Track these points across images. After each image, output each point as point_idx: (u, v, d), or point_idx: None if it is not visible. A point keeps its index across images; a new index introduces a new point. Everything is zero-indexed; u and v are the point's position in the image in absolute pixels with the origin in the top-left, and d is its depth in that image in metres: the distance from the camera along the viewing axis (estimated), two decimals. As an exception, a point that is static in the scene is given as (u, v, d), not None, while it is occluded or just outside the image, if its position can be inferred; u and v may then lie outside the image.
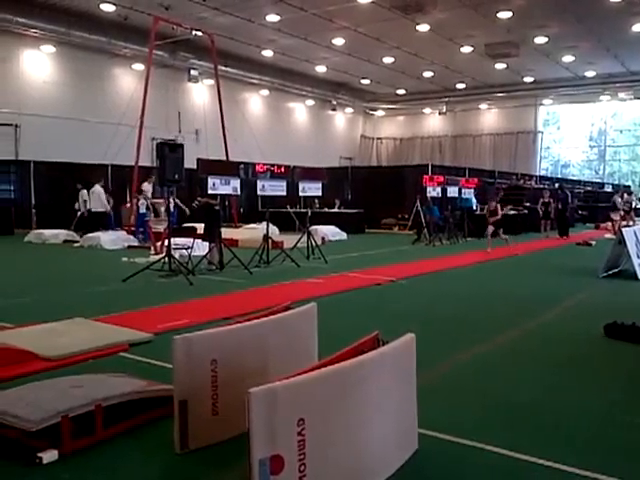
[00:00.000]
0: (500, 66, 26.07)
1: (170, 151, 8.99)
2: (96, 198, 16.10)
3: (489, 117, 33.64)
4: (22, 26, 18.31)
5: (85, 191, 16.46)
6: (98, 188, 16.25)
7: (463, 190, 17.51)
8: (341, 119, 34.32)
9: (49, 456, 3.16)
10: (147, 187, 15.71)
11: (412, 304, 7.78)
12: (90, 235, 14.86)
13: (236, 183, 10.19)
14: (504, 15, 19.26)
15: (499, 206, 14.70)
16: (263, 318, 3.80)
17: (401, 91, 32.13)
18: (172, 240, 9.35)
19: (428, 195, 16.62)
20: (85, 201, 16.39)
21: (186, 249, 9.96)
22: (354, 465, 2.78)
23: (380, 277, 9.56)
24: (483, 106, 33.14)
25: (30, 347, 4.95)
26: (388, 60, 25.27)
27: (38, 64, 20.10)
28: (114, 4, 18.10)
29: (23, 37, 18.99)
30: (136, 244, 14.38)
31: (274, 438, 2.44)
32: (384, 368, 2.99)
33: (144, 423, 3.63)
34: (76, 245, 15.05)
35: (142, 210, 15.93)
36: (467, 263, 12.02)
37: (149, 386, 3.87)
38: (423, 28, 20.35)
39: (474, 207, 19.09)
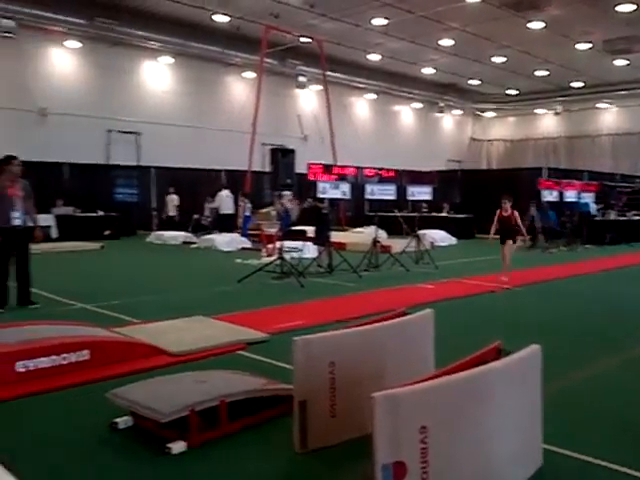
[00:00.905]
0: (620, 62, 24.51)
1: (282, 156, 9.25)
2: (223, 201, 16.93)
3: (608, 116, 31.70)
4: (142, 39, 19.50)
5: (222, 192, 17.38)
6: (224, 192, 17.12)
7: (581, 194, 16.65)
8: (449, 121, 33.69)
9: (178, 447, 3.33)
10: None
11: (528, 313, 7.48)
12: (206, 237, 15.61)
13: (345, 187, 10.29)
14: (624, 8, 18.10)
15: (513, 211, 9.99)
16: (380, 323, 3.81)
17: (512, 91, 31.04)
18: (283, 243, 9.60)
19: (543, 199, 15.93)
20: (215, 206, 17.35)
21: (296, 252, 10.17)
22: (477, 478, 2.72)
23: (493, 284, 9.28)
24: (602, 105, 31.27)
25: (157, 342, 5.26)
26: (498, 59, 24.51)
27: (157, 75, 21.30)
28: (227, 15, 18.85)
29: (143, 49, 20.21)
30: (249, 246, 14.89)
31: (397, 444, 2.44)
32: (509, 380, 2.90)
33: (265, 420, 3.75)
34: (193, 246, 15.78)
35: (247, 213, 16.62)
36: (588, 271, 11.37)
37: (269, 385, 3.98)
38: (535, 26, 19.56)
39: (593, 212, 18.09)
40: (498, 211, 9.91)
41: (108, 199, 19.12)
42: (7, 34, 16.63)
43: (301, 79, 24.17)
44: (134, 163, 20.12)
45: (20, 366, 4.46)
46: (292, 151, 9.56)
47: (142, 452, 3.39)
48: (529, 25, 19.60)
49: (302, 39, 19.96)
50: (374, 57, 24.05)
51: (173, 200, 18.37)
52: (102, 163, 19.33)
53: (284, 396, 3.78)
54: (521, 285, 9.34)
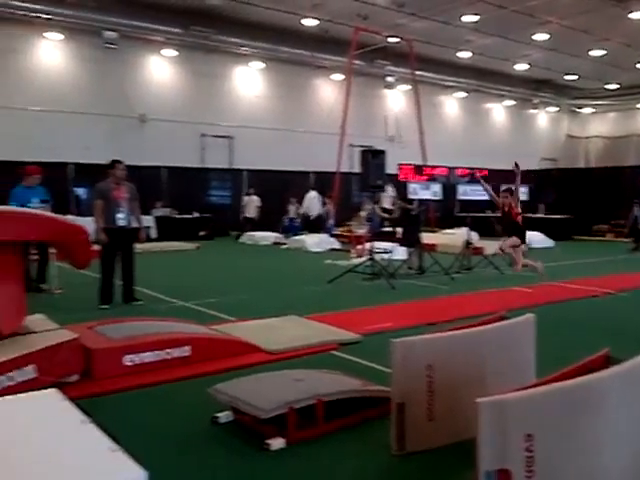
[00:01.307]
0: None
1: (373, 157, 9.25)
2: (312, 202, 17.18)
3: None
4: (235, 45, 20.09)
5: (309, 194, 17.68)
6: (313, 193, 17.33)
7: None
8: (543, 118, 32.42)
9: (277, 443, 3.41)
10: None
11: (635, 319, 7.07)
12: (296, 238, 15.86)
13: (436, 188, 10.16)
14: None
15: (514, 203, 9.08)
16: (479, 327, 3.73)
17: (612, 85, 29.44)
18: (372, 244, 9.59)
19: (648, 199, 15.04)
20: (306, 206, 17.63)
21: (386, 253, 10.14)
22: (583, 491, 2.60)
23: (596, 288, 8.82)
24: None
25: (253, 340, 5.40)
26: (597, 53, 23.31)
27: (248, 80, 21.85)
28: (316, 18, 19.06)
29: (235, 56, 20.79)
30: (338, 247, 14.99)
31: (502, 451, 2.38)
32: (620, 390, 2.75)
33: (360, 421, 3.76)
34: (283, 247, 16.06)
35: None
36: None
37: (364, 386, 3.99)
38: (638, 16, 18.48)
39: None
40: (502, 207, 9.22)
41: (203, 201, 19.84)
42: (110, 45, 17.65)
43: (389, 79, 24.05)
44: (227, 166, 20.76)
45: (127, 360, 4.71)
46: (382, 152, 9.53)
47: (242, 446, 3.48)
48: (630, 16, 18.56)
49: (391, 39, 19.84)
50: (464, 55, 23.54)
51: (254, 201, 18.54)
52: (197, 166, 20.07)
53: (380, 398, 3.78)
54: (626, 290, 8.84)
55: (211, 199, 20.60)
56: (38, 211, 5.22)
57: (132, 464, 1.44)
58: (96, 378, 4.53)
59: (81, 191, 17.39)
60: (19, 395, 2.10)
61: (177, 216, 18.17)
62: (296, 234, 16.81)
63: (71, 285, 8.55)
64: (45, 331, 4.65)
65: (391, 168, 10.90)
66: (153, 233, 16.65)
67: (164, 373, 4.72)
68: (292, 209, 18.35)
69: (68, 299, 7.96)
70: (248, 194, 18.93)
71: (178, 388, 4.51)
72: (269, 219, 18.80)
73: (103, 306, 7.24)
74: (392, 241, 10.69)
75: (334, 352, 5.40)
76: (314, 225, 17.12)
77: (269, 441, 3.40)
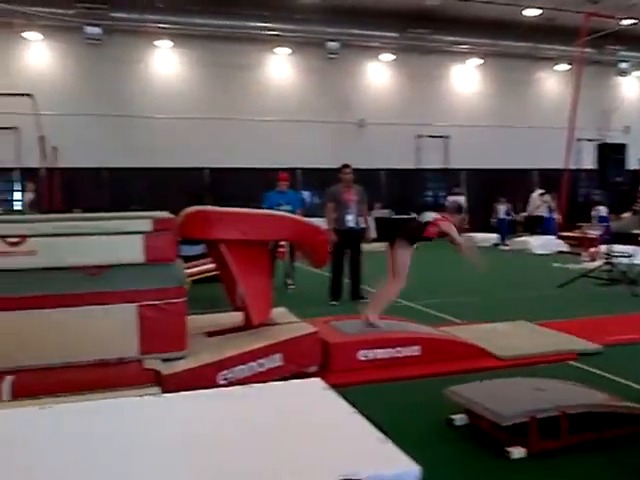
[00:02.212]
0: None
1: (611, 152, 8.49)
2: (534, 203, 16.50)
3: None
4: (452, 44, 19.90)
5: (534, 193, 17.02)
6: (536, 192, 16.66)
7: None
8: None
9: (518, 452, 3.30)
10: None
11: None
12: (519, 239, 15.23)
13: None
14: None
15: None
16: None
17: None
18: (610, 247, 8.81)
19: None
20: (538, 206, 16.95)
21: (626, 257, 9.22)
22: None
23: None
24: None
25: (482, 344, 5.30)
26: None
27: (465, 77, 21.47)
28: (539, 8, 18.05)
29: (452, 54, 20.57)
30: (566, 249, 14.07)
31: None
32: None
33: (607, 438, 3.49)
34: (504, 249, 15.58)
35: (545, 214, 15.76)
36: None
37: (612, 401, 3.70)
38: None
39: None
40: None
41: (419, 201, 19.97)
42: (332, 55, 18.69)
43: (623, 65, 21.92)
44: (442, 166, 20.65)
45: (361, 355, 4.93)
46: (622, 146, 8.69)
47: (478, 451, 3.44)
48: None
49: (624, 21, 18.05)
50: None
51: (459, 201, 17.87)
52: (412, 168, 20.27)
53: (630, 415, 3.47)
54: None
55: (427, 199, 20.65)
56: (285, 214, 5.70)
57: (404, 457, 1.49)
58: (333, 370, 4.80)
59: (306, 194, 18.59)
60: (284, 382, 2.27)
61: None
62: (506, 235, 16.20)
63: (299, 282, 9.18)
64: (288, 323, 5.06)
65: (631, 163, 9.92)
66: (372, 234, 17.14)
67: (395, 370, 4.85)
68: (501, 209, 17.47)
69: (300, 294, 8.56)
70: (453, 193, 18.35)
71: (409, 386, 4.60)
72: (477, 219, 18.30)
73: (333, 302, 7.68)
74: (634, 244, 9.69)
75: (572, 362, 5.08)
76: (534, 226, 16.25)
77: (509, 449, 3.32)
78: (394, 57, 20.08)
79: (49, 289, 3.58)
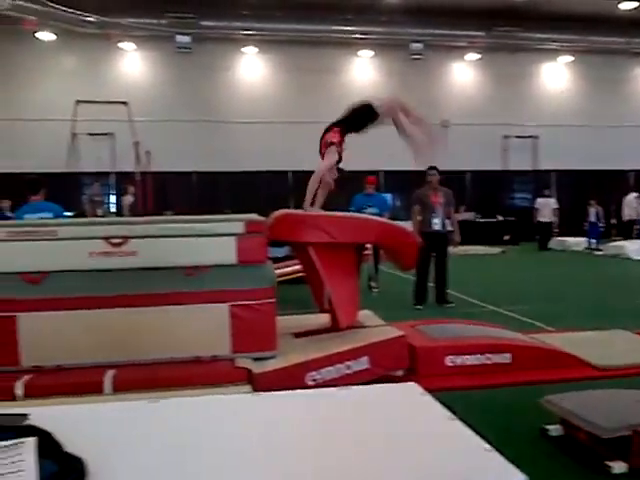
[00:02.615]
0: None
1: None
2: (628, 205, 16.00)
3: None
4: (541, 41, 19.26)
5: (629, 196, 16.52)
6: (630, 197, 16.11)
7: None
8: None
9: (619, 467, 3.15)
10: None
11: None
12: (614, 244, 14.57)
13: None
14: None
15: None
16: None
17: None
18: None
19: None
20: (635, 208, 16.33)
21: None
22: None
23: None
24: None
25: (576, 352, 5.06)
26: None
27: (554, 76, 20.70)
28: (637, 0, 17.15)
29: (540, 52, 19.89)
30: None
31: None
32: None
33: None
34: (598, 253, 15.00)
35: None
36: None
37: None
38: None
39: None
40: None
41: (506, 204, 19.44)
42: (416, 56, 18.50)
43: None
44: (531, 167, 19.99)
45: (449, 360, 4.83)
46: None
47: (575, 464, 3.32)
48: None
49: None
50: None
51: (549, 204, 17.10)
52: (499, 169, 19.74)
53: None
54: None
55: (514, 202, 20.06)
56: (372, 217, 5.70)
57: (511, 467, 1.44)
58: (420, 375, 4.73)
59: (389, 197, 18.47)
60: (379, 385, 2.25)
61: (480, 220, 18.10)
62: (598, 240, 15.66)
63: (383, 285, 9.14)
64: (375, 326, 5.04)
65: None
66: (457, 237, 16.83)
67: (485, 378, 4.71)
68: (592, 212, 16.66)
69: (384, 298, 8.53)
70: (543, 196, 17.67)
71: (500, 394, 4.49)
72: (569, 223, 17.57)
73: (417, 306, 7.61)
74: None
75: (673, 374, 4.77)
76: (630, 230, 15.49)
77: (610, 463, 3.17)
78: (479, 56, 19.66)
79: (148, 288, 3.73)
